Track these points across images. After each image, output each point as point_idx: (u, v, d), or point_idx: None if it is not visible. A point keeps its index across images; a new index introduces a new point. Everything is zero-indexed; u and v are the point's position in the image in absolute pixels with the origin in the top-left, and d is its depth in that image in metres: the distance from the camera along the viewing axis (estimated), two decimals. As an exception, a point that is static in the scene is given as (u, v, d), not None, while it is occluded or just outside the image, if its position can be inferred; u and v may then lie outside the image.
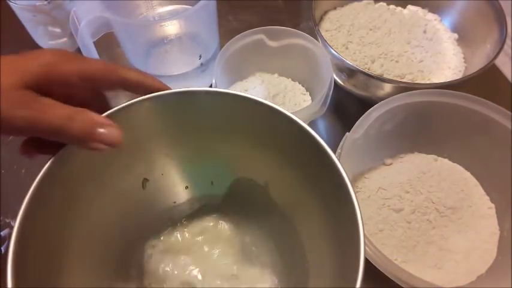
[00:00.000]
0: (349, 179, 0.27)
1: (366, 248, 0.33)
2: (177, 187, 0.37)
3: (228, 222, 0.38)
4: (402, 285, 0.32)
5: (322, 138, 0.28)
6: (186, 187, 0.38)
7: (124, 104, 0.28)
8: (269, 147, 0.32)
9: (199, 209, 0.39)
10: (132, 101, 0.28)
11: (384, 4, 0.57)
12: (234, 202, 0.37)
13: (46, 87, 0.24)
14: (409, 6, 0.56)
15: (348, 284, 0.24)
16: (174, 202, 0.38)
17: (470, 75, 0.43)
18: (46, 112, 0.23)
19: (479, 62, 0.46)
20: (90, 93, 0.28)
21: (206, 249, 0.37)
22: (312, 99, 0.49)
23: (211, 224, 0.38)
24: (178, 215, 0.38)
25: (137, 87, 0.28)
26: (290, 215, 0.35)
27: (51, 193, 0.26)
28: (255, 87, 0.49)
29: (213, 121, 0.32)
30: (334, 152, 0.28)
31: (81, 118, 0.24)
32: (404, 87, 0.43)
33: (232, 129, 0.32)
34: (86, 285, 0.30)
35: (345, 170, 0.27)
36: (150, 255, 0.36)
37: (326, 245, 0.30)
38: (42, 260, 0.25)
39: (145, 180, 0.34)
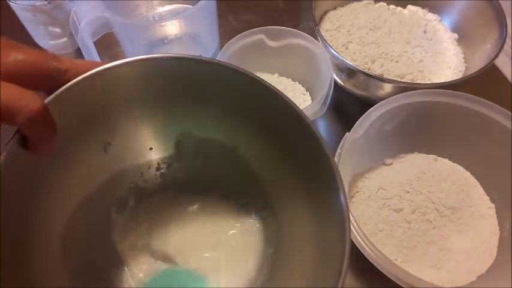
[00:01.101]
0: (328, 147, 0.27)
1: (366, 248, 0.33)
2: (141, 149, 0.36)
3: (194, 187, 0.37)
4: (402, 285, 0.32)
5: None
6: (151, 148, 0.36)
7: (90, 73, 0.27)
8: (240, 112, 0.32)
9: (166, 173, 0.38)
10: (99, 68, 0.27)
11: (384, 4, 0.57)
12: (203, 166, 0.36)
13: None
14: (409, 6, 0.56)
15: (332, 274, 0.25)
16: (138, 165, 0.36)
17: (470, 75, 0.43)
18: None
19: (479, 62, 0.46)
20: None
21: (177, 216, 0.37)
22: (312, 99, 0.49)
23: (179, 189, 0.37)
24: (143, 180, 0.37)
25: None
26: (265, 185, 0.35)
27: (13, 171, 0.25)
28: (255, 87, 0.49)
29: (183, 86, 0.31)
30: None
31: None
32: (404, 87, 0.43)
33: (201, 94, 0.32)
34: (57, 263, 0.29)
35: (320, 134, 0.27)
36: (117, 223, 0.35)
37: (303, 218, 0.31)
38: (9, 244, 0.25)
39: (108, 144, 0.33)
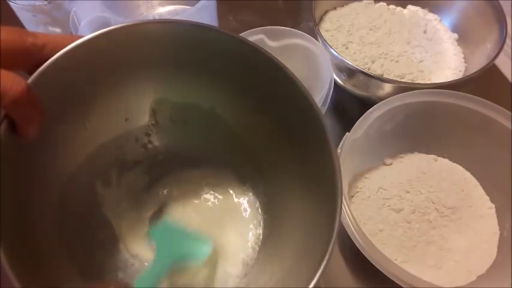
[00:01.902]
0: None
1: (366, 248, 0.33)
2: (116, 121, 0.35)
3: (176, 152, 0.38)
4: (402, 285, 0.32)
5: None
6: (126, 119, 0.35)
7: (70, 47, 0.26)
8: (215, 72, 0.32)
9: (147, 144, 0.37)
10: (78, 42, 0.27)
11: (384, 4, 0.57)
12: (183, 128, 0.36)
13: None
14: (409, 6, 0.56)
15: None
16: (116, 138, 0.35)
17: (470, 75, 0.43)
18: None
19: (479, 62, 0.46)
20: None
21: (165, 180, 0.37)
22: (312, 99, 0.49)
23: (161, 156, 0.38)
24: (123, 153, 0.36)
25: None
26: (249, 144, 0.35)
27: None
28: (255, 87, 0.49)
29: (156, 52, 0.31)
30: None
31: None
32: (404, 87, 0.43)
33: (174, 57, 0.31)
34: (54, 237, 0.29)
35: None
36: (105, 198, 0.35)
37: (290, 170, 0.31)
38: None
39: (86, 119, 0.32)
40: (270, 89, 0.31)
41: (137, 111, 0.35)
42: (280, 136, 0.32)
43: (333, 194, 0.26)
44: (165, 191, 0.37)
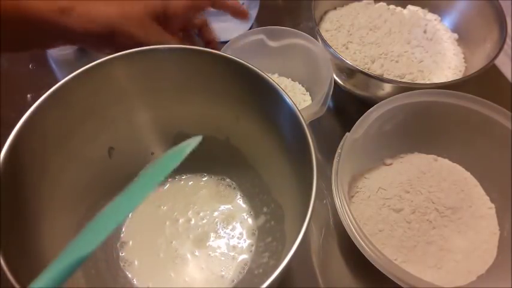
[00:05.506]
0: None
1: (366, 248, 0.33)
2: (143, 153, 0.38)
3: (196, 178, 0.40)
4: (402, 285, 0.32)
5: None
6: (152, 153, 0.38)
7: (88, 66, 0.28)
8: (226, 102, 0.34)
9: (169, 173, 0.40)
10: (96, 62, 0.28)
11: (384, 4, 0.57)
12: (201, 159, 0.38)
13: (161, 17, 0.34)
14: (409, 6, 0.56)
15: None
16: (142, 169, 0.38)
17: (470, 75, 0.43)
18: (168, 41, 0.34)
19: (479, 62, 0.46)
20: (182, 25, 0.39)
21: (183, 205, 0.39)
22: (312, 99, 0.49)
23: (182, 183, 0.40)
24: None
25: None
26: (252, 162, 0.38)
27: (20, 162, 0.26)
28: (255, 87, 0.49)
29: (172, 81, 0.32)
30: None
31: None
32: (404, 87, 0.43)
33: (192, 88, 0.33)
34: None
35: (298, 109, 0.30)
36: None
37: (288, 185, 0.34)
38: (16, 229, 0.25)
39: (111, 149, 0.34)
40: (272, 109, 0.32)
41: (161, 145, 0.38)
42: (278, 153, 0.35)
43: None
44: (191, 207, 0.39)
